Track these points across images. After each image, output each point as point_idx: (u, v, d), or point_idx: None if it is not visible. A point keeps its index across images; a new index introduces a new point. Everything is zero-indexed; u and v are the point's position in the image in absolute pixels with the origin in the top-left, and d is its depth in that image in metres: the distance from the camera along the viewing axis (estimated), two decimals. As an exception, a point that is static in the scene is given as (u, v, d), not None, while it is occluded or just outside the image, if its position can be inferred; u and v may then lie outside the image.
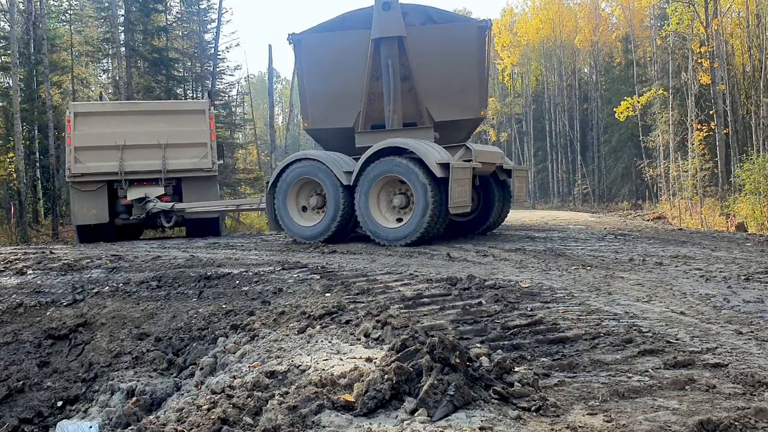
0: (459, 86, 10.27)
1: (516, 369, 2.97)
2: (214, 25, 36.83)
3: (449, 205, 8.75)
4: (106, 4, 33.65)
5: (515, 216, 24.54)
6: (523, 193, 10.88)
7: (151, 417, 3.14)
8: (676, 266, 6.77)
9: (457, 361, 2.72)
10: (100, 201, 12.28)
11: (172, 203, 12.24)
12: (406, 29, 10.06)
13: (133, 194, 12.34)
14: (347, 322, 4.29)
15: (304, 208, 10.09)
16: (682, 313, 4.38)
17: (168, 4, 36.20)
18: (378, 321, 4.05)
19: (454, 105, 10.35)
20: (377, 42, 10.02)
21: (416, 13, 10.43)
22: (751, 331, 3.84)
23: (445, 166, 8.69)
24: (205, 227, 12.91)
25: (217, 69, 35.35)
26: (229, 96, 37.71)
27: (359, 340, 3.84)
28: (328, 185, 9.53)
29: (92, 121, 12.53)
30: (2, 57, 28.37)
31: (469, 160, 9.42)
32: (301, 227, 9.90)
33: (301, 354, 3.57)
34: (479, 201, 10.60)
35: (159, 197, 12.37)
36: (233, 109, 39.22)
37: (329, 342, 3.78)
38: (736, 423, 2.38)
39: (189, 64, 35.33)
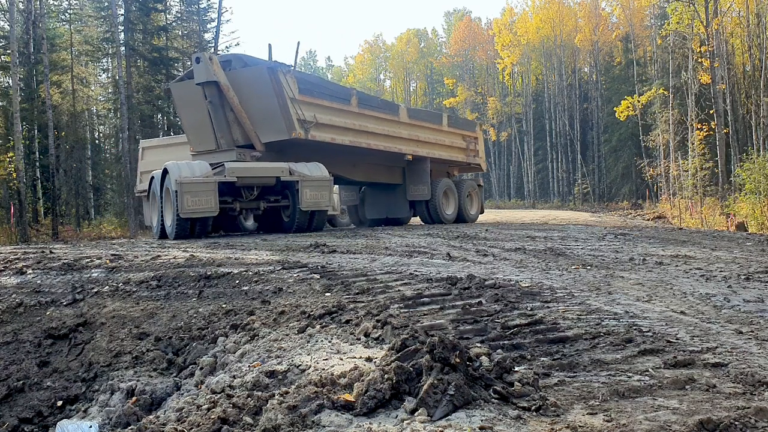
0: (268, 114, 12.84)
1: (516, 368, 2.96)
2: (214, 24, 36.91)
3: (179, 211, 11.12)
4: (106, 4, 33.65)
5: (515, 216, 24.56)
6: (318, 201, 12.67)
7: (151, 417, 3.14)
8: (677, 266, 6.77)
9: (457, 360, 2.72)
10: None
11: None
12: (231, 73, 12.97)
13: None
14: (347, 321, 4.28)
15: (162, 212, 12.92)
16: (682, 312, 4.37)
17: (168, 4, 36.24)
18: (378, 320, 4.04)
19: (271, 129, 12.95)
20: (202, 86, 12.96)
21: (238, 60, 13.66)
22: (752, 331, 3.83)
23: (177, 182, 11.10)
24: None
25: (217, 68, 35.28)
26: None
27: (359, 339, 3.84)
28: (159, 195, 12.26)
29: (152, 152, 17.50)
30: (2, 56, 28.35)
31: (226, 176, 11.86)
32: (153, 225, 12.83)
33: (301, 354, 3.57)
34: (291, 206, 12.90)
35: None
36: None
37: (329, 342, 3.78)
38: (736, 423, 2.38)
39: (189, 63, 35.33)
